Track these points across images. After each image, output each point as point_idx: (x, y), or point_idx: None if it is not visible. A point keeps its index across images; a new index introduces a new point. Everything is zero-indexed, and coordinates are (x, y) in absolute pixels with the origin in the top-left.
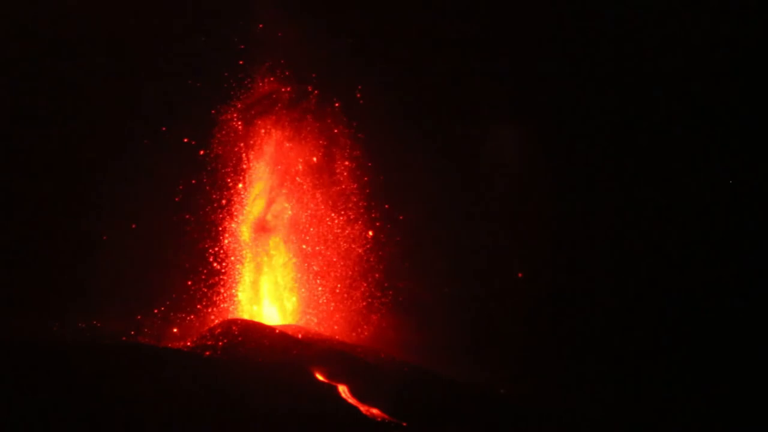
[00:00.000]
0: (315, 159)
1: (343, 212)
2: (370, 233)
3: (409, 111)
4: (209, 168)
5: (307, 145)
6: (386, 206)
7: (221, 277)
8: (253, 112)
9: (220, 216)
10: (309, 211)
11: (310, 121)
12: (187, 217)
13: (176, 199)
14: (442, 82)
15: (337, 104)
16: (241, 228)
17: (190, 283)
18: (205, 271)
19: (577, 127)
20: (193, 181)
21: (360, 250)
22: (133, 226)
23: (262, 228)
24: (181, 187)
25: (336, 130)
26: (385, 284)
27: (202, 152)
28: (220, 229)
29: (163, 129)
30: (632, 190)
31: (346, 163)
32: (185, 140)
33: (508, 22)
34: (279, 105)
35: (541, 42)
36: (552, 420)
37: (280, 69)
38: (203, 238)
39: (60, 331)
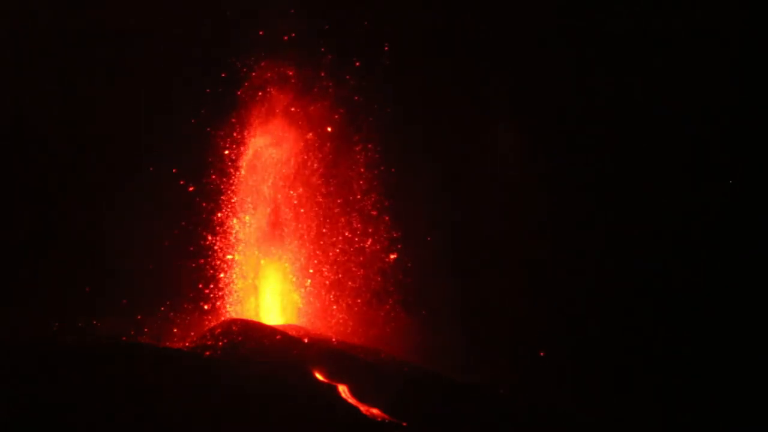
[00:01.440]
0: (322, 154)
1: (359, 220)
2: (392, 256)
3: (414, 117)
4: (213, 167)
5: (316, 143)
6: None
7: (222, 276)
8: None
9: (223, 215)
10: (320, 212)
11: (316, 123)
12: (189, 216)
13: (177, 201)
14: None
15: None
16: (245, 227)
17: (190, 283)
18: (206, 272)
19: (582, 128)
20: (197, 180)
21: (379, 271)
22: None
23: (269, 228)
24: (182, 182)
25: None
26: (410, 300)
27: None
28: (223, 228)
29: (163, 127)
30: (633, 191)
31: (362, 170)
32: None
33: (510, 22)
34: (283, 105)
35: (544, 42)
36: (552, 420)
37: (277, 85)
38: (205, 238)
39: (60, 331)
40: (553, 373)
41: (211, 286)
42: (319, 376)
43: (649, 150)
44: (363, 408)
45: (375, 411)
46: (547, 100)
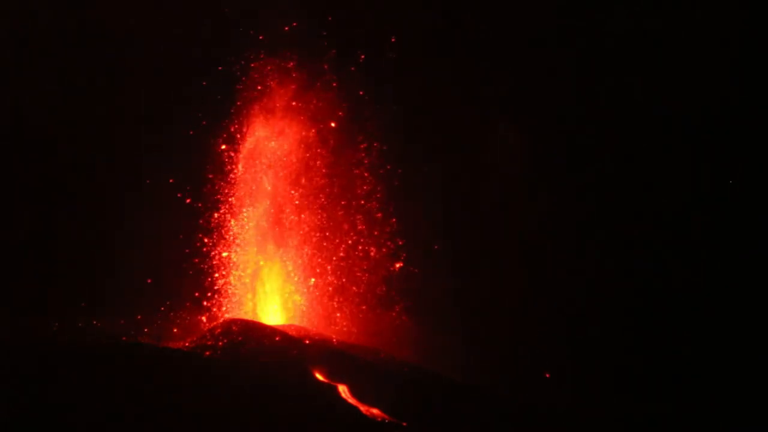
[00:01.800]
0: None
1: (365, 224)
2: (398, 265)
3: (415, 117)
4: (214, 166)
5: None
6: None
7: (220, 278)
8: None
9: (222, 216)
10: (323, 214)
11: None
12: (189, 216)
13: (178, 202)
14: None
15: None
16: (245, 227)
17: (189, 283)
18: (206, 271)
19: (582, 128)
20: (195, 180)
21: (384, 280)
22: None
23: (269, 228)
24: (180, 195)
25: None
26: (417, 307)
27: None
28: (222, 228)
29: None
30: (633, 191)
31: (366, 174)
32: (190, 132)
33: (510, 22)
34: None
35: (544, 42)
36: (552, 420)
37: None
38: (205, 238)
39: (60, 331)
40: (553, 373)
41: (209, 293)
42: (319, 376)
43: (649, 150)
44: (363, 408)
45: (375, 411)
46: (547, 100)
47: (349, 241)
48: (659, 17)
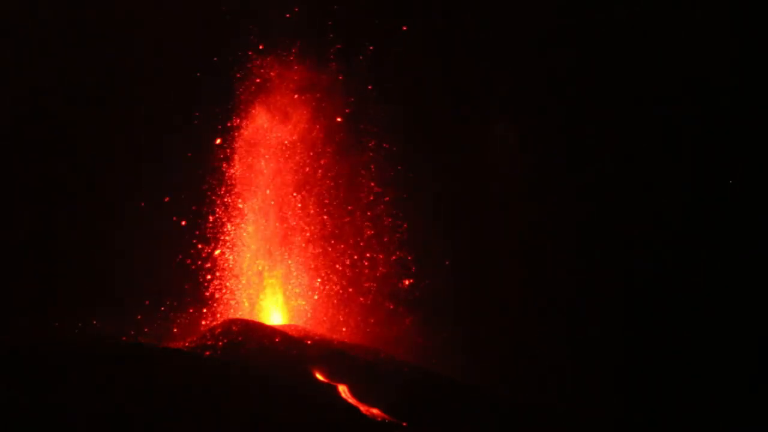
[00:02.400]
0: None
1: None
2: (407, 282)
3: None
4: (216, 166)
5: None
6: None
7: (223, 276)
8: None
9: (224, 215)
10: (329, 220)
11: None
12: (191, 216)
13: (178, 202)
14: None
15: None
16: (246, 228)
17: (189, 283)
18: (206, 272)
19: (582, 128)
20: (198, 180)
21: (391, 296)
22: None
23: (272, 231)
24: (174, 219)
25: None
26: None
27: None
28: (224, 228)
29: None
30: (633, 191)
31: (372, 183)
32: (189, 154)
33: (510, 21)
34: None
35: (544, 42)
36: (552, 420)
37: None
38: (206, 238)
39: (60, 331)
40: (554, 373)
41: (209, 293)
42: (319, 376)
43: (649, 150)
44: (363, 408)
45: (375, 411)
46: (547, 100)
47: (356, 255)
48: (659, 17)
